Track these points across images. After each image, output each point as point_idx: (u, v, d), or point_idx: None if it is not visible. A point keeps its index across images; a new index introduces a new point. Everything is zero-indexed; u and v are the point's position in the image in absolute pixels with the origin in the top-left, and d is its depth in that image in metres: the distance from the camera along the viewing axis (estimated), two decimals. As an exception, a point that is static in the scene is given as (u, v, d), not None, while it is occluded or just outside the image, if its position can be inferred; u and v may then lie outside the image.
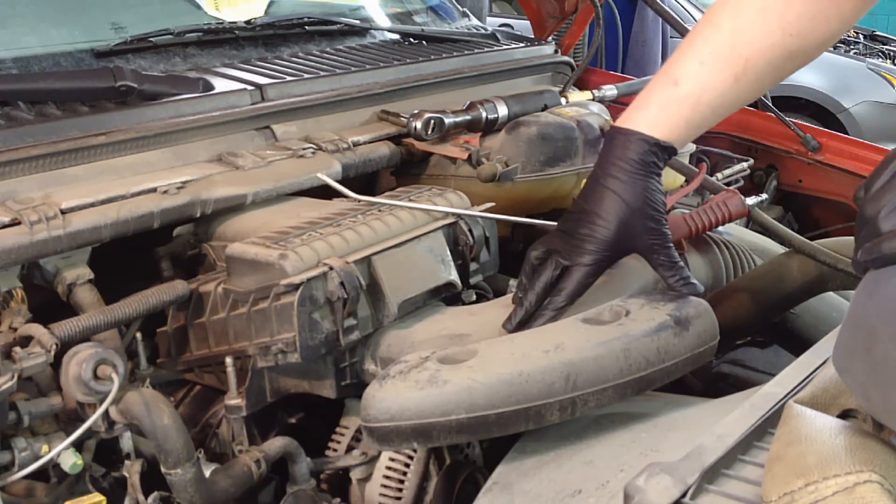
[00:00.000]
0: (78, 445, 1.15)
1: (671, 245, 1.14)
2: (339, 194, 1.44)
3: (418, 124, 1.63)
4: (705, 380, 1.54)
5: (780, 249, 1.56)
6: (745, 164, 2.01)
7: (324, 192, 1.48)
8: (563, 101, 1.86)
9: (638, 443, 1.02)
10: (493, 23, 4.08)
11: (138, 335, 1.28)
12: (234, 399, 1.24)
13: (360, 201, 1.40)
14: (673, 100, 1.09)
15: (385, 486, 1.20)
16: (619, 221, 1.10)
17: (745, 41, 1.07)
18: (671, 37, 4.99)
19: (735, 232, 1.63)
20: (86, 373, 1.09)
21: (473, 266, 1.39)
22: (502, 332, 1.16)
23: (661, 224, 1.12)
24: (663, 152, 1.10)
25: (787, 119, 2.06)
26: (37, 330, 1.15)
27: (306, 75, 1.68)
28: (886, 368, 0.68)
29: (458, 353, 1.08)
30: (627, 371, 1.05)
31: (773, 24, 1.06)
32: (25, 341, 1.14)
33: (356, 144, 1.60)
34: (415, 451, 1.20)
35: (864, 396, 0.72)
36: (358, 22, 2.06)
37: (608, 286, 1.30)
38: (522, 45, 2.15)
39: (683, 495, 0.73)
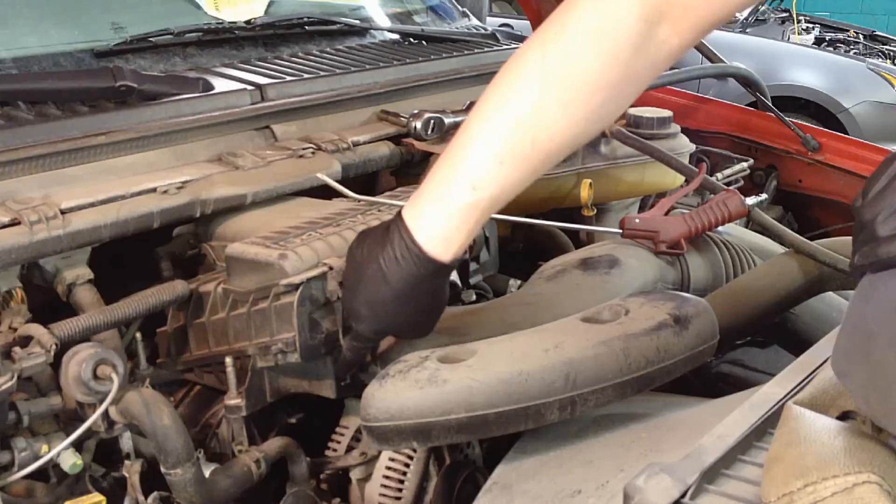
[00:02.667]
0: (78, 445, 1.15)
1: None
2: (339, 194, 1.44)
3: (418, 124, 1.63)
4: (705, 380, 1.54)
5: (780, 249, 1.56)
6: (745, 164, 2.01)
7: (324, 192, 1.48)
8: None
9: (638, 443, 1.02)
10: (493, 23, 4.08)
11: (138, 335, 1.28)
12: (233, 399, 1.24)
13: (360, 201, 1.40)
14: (471, 208, 1.00)
15: (385, 486, 1.20)
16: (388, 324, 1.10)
17: (548, 136, 0.98)
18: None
19: (735, 232, 1.63)
20: (85, 373, 1.09)
21: (473, 266, 1.39)
22: (502, 332, 1.16)
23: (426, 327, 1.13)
24: (451, 269, 1.06)
25: (787, 119, 2.06)
26: (37, 330, 1.14)
27: (306, 75, 1.68)
28: (884, 372, 0.68)
29: (458, 352, 1.08)
30: (627, 370, 1.06)
31: (578, 115, 0.98)
32: (25, 341, 1.14)
33: (356, 144, 1.60)
34: (414, 450, 1.20)
35: (863, 400, 0.72)
36: (358, 22, 2.06)
37: (608, 286, 1.30)
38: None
39: (683, 495, 0.73)
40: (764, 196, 1.88)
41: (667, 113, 1.81)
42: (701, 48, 2.20)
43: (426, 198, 1.02)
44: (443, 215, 1.01)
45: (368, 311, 1.07)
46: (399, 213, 1.03)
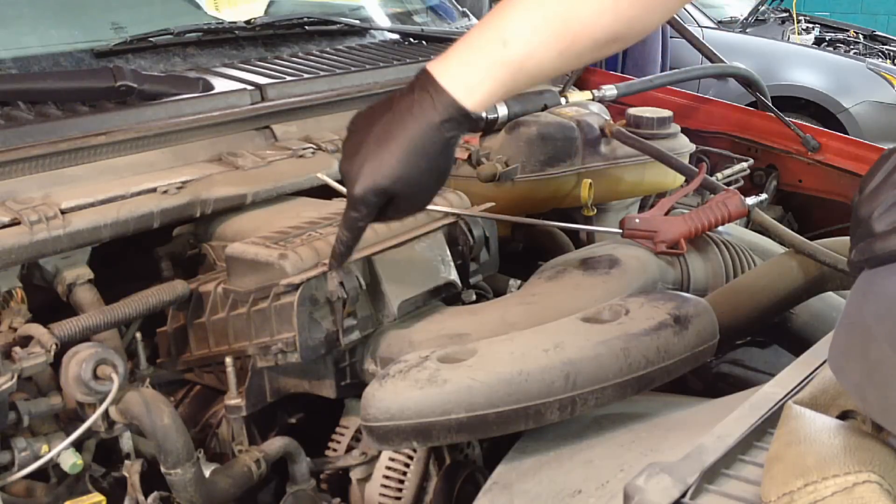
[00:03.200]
0: (78, 445, 1.15)
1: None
2: (339, 194, 1.44)
3: (418, 124, 1.63)
4: (705, 380, 1.54)
5: (780, 249, 1.56)
6: (745, 164, 2.01)
7: (324, 192, 1.48)
8: (563, 101, 1.86)
9: (638, 443, 1.02)
10: (493, 23, 4.06)
11: (138, 335, 1.28)
12: (234, 399, 1.24)
13: (360, 201, 1.39)
14: (498, 62, 1.00)
15: (385, 486, 1.20)
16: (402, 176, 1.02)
17: (578, 17, 1.00)
18: (671, 36, 4.99)
19: (735, 232, 1.63)
20: (86, 373, 1.09)
21: (473, 266, 1.39)
22: (502, 332, 1.16)
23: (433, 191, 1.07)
24: (469, 123, 1.03)
25: (787, 119, 2.06)
26: (37, 330, 1.15)
27: (306, 75, 1.68)
28: (882, 369, 0.68)
29: (458, 352, 1.08)
30: (627, 370, 1.06)
31: (608, 5, 1.00)
32: (25, 341, 1.15)
33: (356, 144, 1.60)
34: (414, 450, 1.20)
35: (861, 397, 0.72)
36: (358, 22, 2.06)
37: (608, 286, 1.30)
38: (522, 45, 2.14)
39: (683, 495, 0.73)
40: (764, 196, 1.88)
41: (667, 113, 1.81)
42: (701, 48, 2.20)
43: (454, 50, 1.01)
44: (469, 64, 1.00)
45: (374, 161, 1.01)
46: (423, 69, 1.01)
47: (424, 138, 1.00)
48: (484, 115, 1.02)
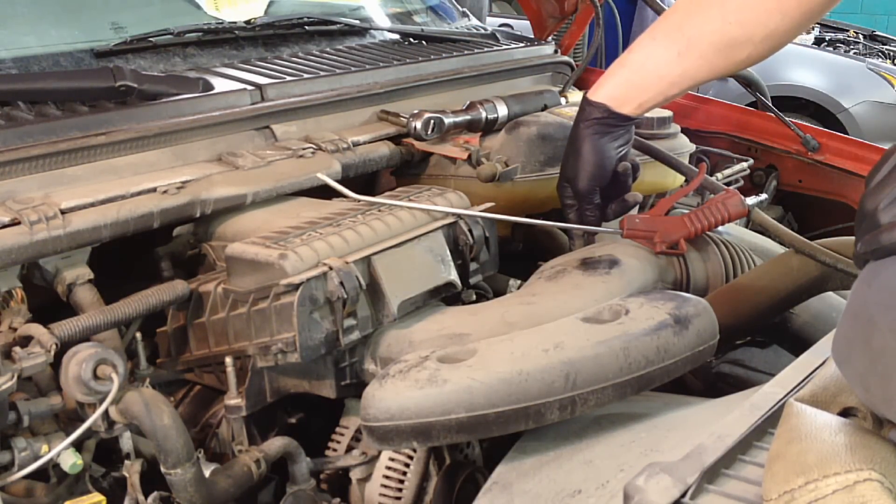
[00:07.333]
0: (78, 445, 1.15)
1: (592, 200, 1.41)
2: (339, 194, 1.44)
3: (418, 124, 1.63)
4: (705, 380, 1.54)
5: (780, 249, 1.56)
6: (745, 164, 2.01)
7: (324, 192, 1.48)
8: (563, 101, 1.86)
9: (638, 443, 1.02)
10: (493, 23, 4.08)
11: (138, 335, 1.28)
12: (234, 399, 1.24)
13: (360, 201, 1.40)
14: (621, 65, 1.30)
15: (385, 486, 1.20)
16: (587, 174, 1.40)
17: (691, 23, 1.23)
18: (671, 37, 4.98)
19: (735, 232, 1.63)
20: (86, 373, 1.09)
21: (473, 266, 1.39)
22: (502, 332, 1.16)
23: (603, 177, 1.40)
24: (602, 113, 1.34)
25: (787, 119, 2.06)
26: (37, 330, 1.15)
27: (306, 75, 1.68)
28: (885, 358, 0.68)
29: (458, 352, 1.08)
30: (627, 370, 1.06)
31: (715, 10, 1.20)
32: (25, 341, 1.14)
33: (356, 144, 1.60)
34: (414, 450, 1.20)
35: (863, 387, 0.72)
36: (358, 22, 2.06)
37: (608, 286, 1.30)
38: (522, 45, 2.15)
39: (683, 495, 0.73)
40: (764, 196, 1.88)
41: (667, 113, 1.81)
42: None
43: None
44: (606, 73, 1.34)
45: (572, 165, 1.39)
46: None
47: (575, 135, 1.37)
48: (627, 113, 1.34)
